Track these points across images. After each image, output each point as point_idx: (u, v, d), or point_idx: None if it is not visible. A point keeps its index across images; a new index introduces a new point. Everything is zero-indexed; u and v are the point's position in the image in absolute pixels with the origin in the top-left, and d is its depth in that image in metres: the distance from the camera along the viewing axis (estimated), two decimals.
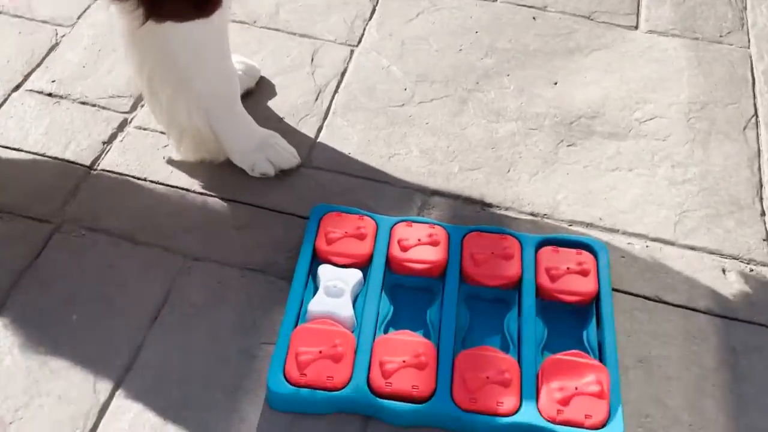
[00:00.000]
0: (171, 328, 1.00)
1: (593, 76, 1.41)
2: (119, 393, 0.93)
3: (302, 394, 0.89)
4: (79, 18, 1.46)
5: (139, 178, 1.19)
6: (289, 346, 0.93)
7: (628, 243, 1.15)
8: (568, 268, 1.03)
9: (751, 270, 1.12)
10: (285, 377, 0.91)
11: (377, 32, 1.48)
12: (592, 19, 1.53)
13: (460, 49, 1.46)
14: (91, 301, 1.02)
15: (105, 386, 0.93)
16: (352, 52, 1.44)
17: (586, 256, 1.05)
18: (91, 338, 0.98)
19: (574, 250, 1.06)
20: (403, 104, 1.35)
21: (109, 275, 1.06)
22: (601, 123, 1.33)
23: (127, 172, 1.20)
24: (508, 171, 1.25)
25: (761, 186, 1.24)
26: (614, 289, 1.07)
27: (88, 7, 1.48)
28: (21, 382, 0.93)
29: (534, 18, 1.53)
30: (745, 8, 1.57)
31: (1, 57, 1.37)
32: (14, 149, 1.22)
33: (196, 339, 0.99)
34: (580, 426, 0.88)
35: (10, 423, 0.89)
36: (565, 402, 0.89)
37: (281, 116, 1.31)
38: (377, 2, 1.54)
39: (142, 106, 1.28)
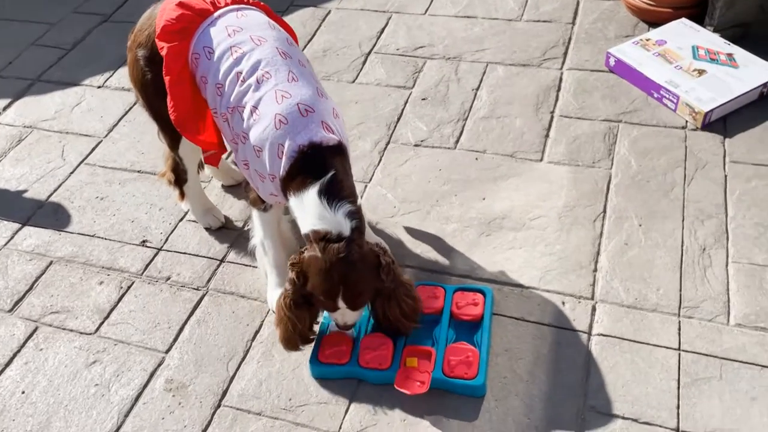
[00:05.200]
0: None
1: (507, 193, 2.35)
2: None
3: None
4: None
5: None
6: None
7: (511, 289, 2.04)
8: (467, 302, 1.94)
9: (579, 302, 1.99)
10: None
11: (381, 173, 2.49)
12: (513, 156, 2.49)
13: (429, 181, 2.44)
14: None
15: None
16: (366, 186, 2.44)
17: (478, 296, 1.96)
18: None
19: (472, 293, 1.97)
20: (392, 216, 2.33)
21: None
22: (508, 222, 2.26)
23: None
24: (451, 251, 2.18)
25: (598, 254, 2.12)
26: (497, 314, 1.97)
27: None
28: None
29: (476, 159, 2.50)
30: (614, 143, 2.48)
31: None
32: None
33: None
34: (462, 378, 1.77)
35: None
36: (454, 366, 1.79)
37: None
38: (383, 154, 2.57)
39: None
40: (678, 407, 1.72)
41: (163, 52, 1.83)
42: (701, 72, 2.59)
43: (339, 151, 1.74)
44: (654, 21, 2.96)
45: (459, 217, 2.29)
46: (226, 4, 1.89)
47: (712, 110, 2.44)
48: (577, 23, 3.07)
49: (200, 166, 2.35)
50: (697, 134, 2.46)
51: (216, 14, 1.86)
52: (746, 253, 2.04)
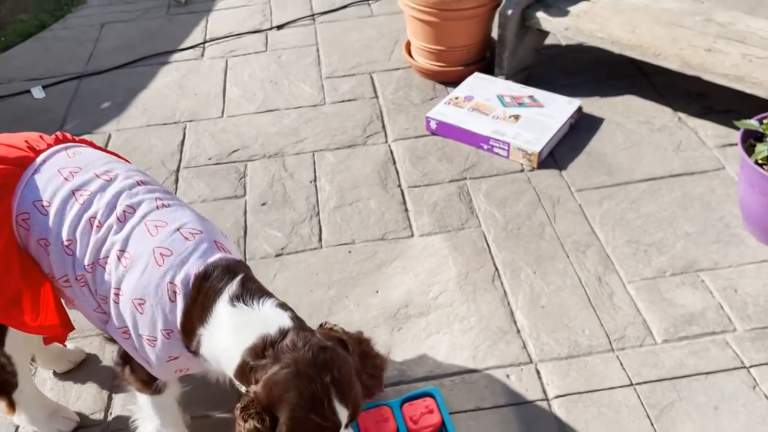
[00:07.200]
0: None
1: (398, 278, 2.20)
2: None
3: None
4: None
5: None
6: None
7: (451, 379, 1.87)
8: (421, 412, 1.72)
9: (522, 369, 1.89)
10: None
11: None
12: (384, 240, 2.35)
13: (311, 290, 2.18)
14: None
15: None
16: None
17: (429, 400, 1.75)
18: None
19: (420, 399, 1.76)
20: None
21: None
22: (413, 308, 2.10)
23: None
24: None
25: (513, 314, 2.06)
26: (451, 412, 1.77)
27: None
28: None
29: (349, 252, 2.31)
30: (470, 201, 2.49)
31: None
32: None
33: None
34: None
35: None
36: None
37: None
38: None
39: None
40: None
41: None
42: (516, 117, 2.75)
43: (243, 266, 1.46)
44: (448, 81, 3.11)
45: (361, 320, 2.07)
46: (48, 146, 1.48)
47: (542, 149, 2.59)
48: (380, 96, 3.09)
49: (32, 360, 1.80)
50: (536, 174, 2.58)
51: (39, 159, 1.45)
52: (634, 271, 2.15)
